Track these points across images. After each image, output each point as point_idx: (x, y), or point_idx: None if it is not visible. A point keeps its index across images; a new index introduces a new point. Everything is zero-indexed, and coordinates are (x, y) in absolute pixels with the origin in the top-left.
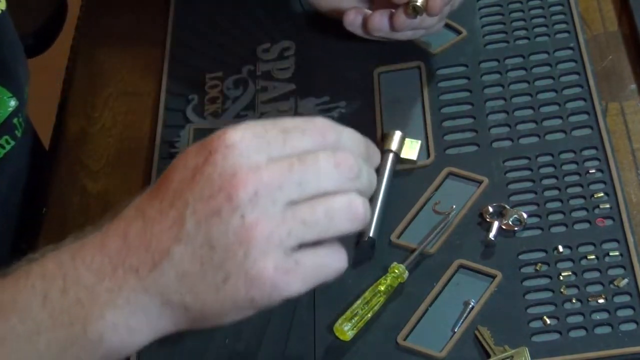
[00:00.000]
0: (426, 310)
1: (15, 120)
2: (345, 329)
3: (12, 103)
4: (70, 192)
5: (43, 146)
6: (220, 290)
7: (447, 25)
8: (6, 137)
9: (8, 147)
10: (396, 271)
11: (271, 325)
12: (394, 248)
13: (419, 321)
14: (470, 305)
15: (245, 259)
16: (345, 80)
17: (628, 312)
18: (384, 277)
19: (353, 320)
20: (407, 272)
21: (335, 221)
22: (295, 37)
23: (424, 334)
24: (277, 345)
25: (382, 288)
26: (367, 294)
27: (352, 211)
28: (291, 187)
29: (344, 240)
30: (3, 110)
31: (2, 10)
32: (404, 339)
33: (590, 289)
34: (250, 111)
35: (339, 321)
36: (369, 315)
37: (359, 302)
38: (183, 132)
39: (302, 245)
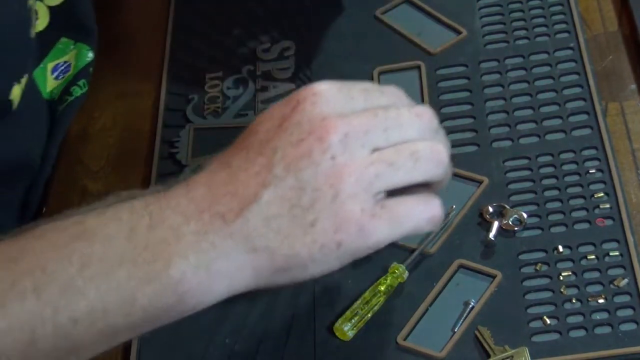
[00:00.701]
0: (426, 310)
1: (90, 69)
2: (345, 329)
3: (90, 55)
4: (70, 192)
5: None
6: (308, 233)
7: (447, 25)
8: (83, 80)
9: (84, 89)
10: (396, 271)
11: (271, 325)
12: (394, 248)
13: (419, 321)
14: (470, 305)
15: (334, 200)
16: (345, 80)
17: (628, 312)
18: (384, 277)
19: (353, 320)
20: (407, 272)
21: (421, 163)
22: (295, 37)
23: (424, 334)
24: (277, 345)
25: (382, 288)
26: (367, 294)
27: (436, 155)
28: (377, 132)
29: None
30: (82, 61)
31: None
32: (404, 339)
33: (590, 289)
34: (250, 111)
35: (339, 321)
36: (369, 315)
37: (359, 302)
38: (183, 132)
39: (391, 194)
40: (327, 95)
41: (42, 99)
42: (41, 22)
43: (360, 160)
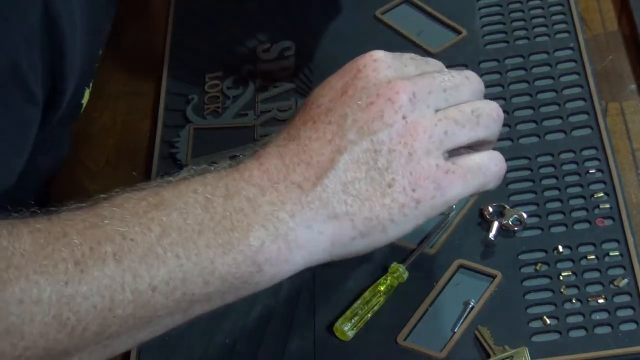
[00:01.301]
0: (426, 310)
1: (96, 65)
2: (345, 329)
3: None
4: (70, 192)
5: None
6: (387, 194)
7: (447, 25)
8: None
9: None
10: (396, 271)
11: (271, 325)
12: (394, 248)
13: (419, 321)
14: (470, 305)
15: (410, 159)
16: None
17: (628, 312)
18: (384, 277)
19: (353, 320)
20: (407, 272)
21: (482, 120)
22: (295, 37)
23: (424, 334)
24: (277, 345)
25: (382, 288)
26: (367, 294)
27: (494, 111)
28: (439, 93)
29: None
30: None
31: None
32: (404, 339)
33: (590, 289)
34: (250, 110)
35: (339, 321)
36: (369, 315)
37: (359, 302)
38: (183, 132)
39: (456, 153)
40: (387, 61)
41: None
42: None
43: (429, 119)
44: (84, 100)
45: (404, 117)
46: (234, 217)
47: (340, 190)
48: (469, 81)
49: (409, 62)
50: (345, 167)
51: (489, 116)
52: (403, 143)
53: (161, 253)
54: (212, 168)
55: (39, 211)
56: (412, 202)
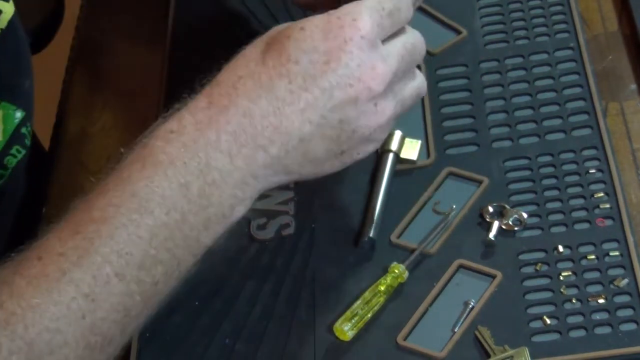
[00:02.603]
0: (426, 310)
1: (23, 130)
2: (345, 329)
3: (18, 114)
4: (70, 192)
5: (42, 147)
6: (337, 158)
7: (447, 25)
8: (17, 146)
9: (19, 156)
10: (396, 271)
11: (271, 325)
12: (394, 248)
13: (419, 321)
14: (470, 305)
15: (367, 140)
16: None
17: (628, 312)
18: (384, 277)
19: (353, 320)
20: (407, 272)
21: (419, 97)
22: None
23: (424, 334)
24: (277, 345)
25: (382, 288)
26: (367, 294)
27: (422, 88)
28: (400, 76)
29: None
30: (10, 124)
31: (7, 20)
32: (404, 339)
33: (590, 289)
34: None
35: (339, 321)
36: (369, 315)
37: (359, 302)
38: None
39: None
40: (371, 39)
41: None
42: None
43: (391, 106)
44: None
45: (375, 105)
46: (207, 191)
47: (300, 156)
48: (421, 44)
49: (388, 25)
50: (310, 138)
51: (423, 90)
52: (367, 127)
53: (155, 254)
54: (170, 133)
55: (21, 248)
56: (353, 161)
